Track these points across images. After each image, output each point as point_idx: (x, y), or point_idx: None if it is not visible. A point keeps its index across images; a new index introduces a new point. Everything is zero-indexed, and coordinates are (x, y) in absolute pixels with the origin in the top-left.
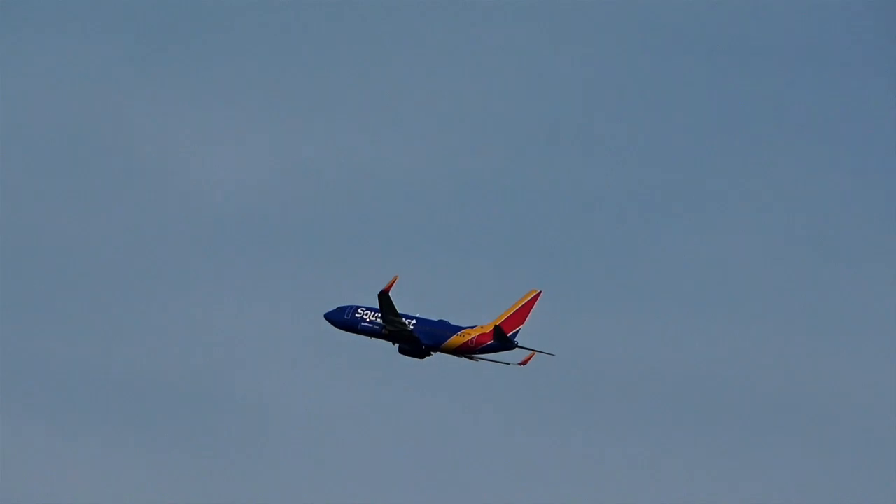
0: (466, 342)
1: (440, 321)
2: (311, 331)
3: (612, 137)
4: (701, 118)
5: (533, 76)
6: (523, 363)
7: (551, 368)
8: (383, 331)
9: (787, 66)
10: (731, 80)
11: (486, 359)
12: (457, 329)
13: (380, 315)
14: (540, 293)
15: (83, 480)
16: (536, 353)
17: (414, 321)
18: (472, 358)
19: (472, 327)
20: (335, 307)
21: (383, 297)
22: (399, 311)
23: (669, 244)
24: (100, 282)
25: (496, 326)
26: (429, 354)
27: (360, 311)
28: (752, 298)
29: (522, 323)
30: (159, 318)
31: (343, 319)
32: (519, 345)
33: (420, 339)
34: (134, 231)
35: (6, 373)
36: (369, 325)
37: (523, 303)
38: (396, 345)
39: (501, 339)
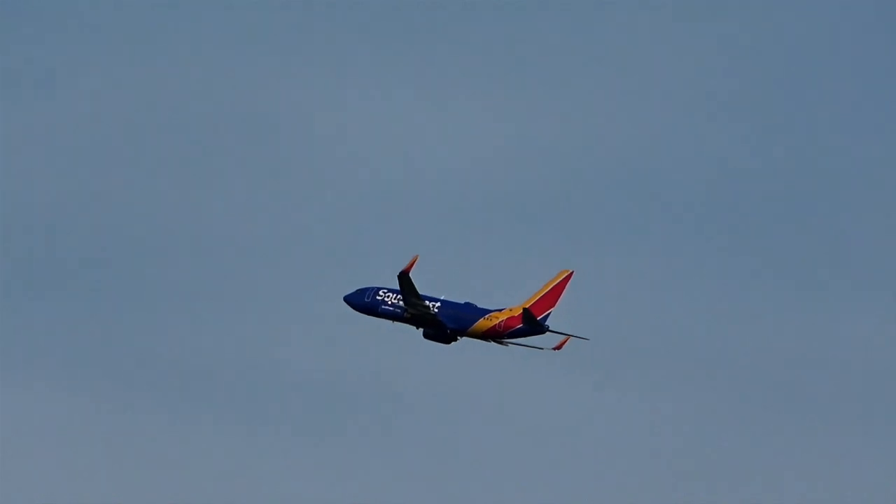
0: (494, 326)
1: (466, 304)
2: (332, 314)
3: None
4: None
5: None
6: (557, 348)
7: (586, 352)
8: (405, 314)
9: None
10: None
11: (517, 343)
12: (484, 312)
13: (402, 298)
14: (572, 273)
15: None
16: (570, 338)
17: (438, 304)
18: (501, 343)
19: (500, 310)
20: (355, 289)
21: (403, 278)
22: (422, 294)
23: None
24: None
25: (525, 309)
26: (455, 339)
27: (381, 293)
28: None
29: (554, 305)
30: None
31: (363, 302)
32: (550, 328)
33: (444, 323)
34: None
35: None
36: (390, 308)
37: (554, 284)
38: (420, 329)
39: (531, 323)
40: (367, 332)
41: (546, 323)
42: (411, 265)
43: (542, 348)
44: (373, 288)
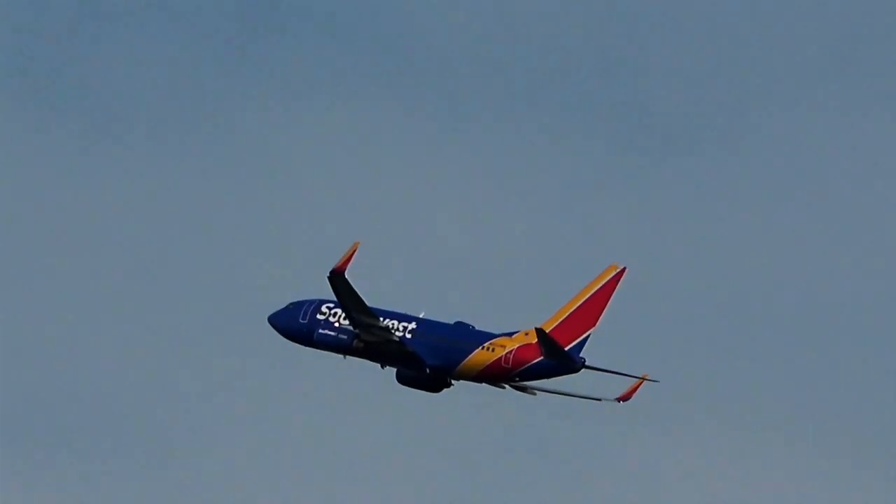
0: (497, 361)
1: (457, 324)
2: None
3: None
4: None
5: None
6: (624, 398)
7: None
8: (355, 342)
9: None
10: None
11: (547, 390)
12: (482, 338)
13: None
14: (623, 271)
15: None
16: (643, 381)
17: (412, 325)
18: (523, 389)
19: (509, 335)
20: (285, 304)
21: (337, 279)
22: (385, 309)
23: None
24: None
25: (538, 329)
26: (445, 383)
27: (325, 309)
28: None
29: (594, 324)
30: None
31: (296, 325)
32: (586, 363)
33: (420, 357)
34: None
35: None
36: (332, 334)
37: (596, 287)
38: (385, 367)
39: (553, 352)
40: (299, 371)
41: (580, 355)
42: (348, 258)
43: (598, 399)
44: (311, 302)
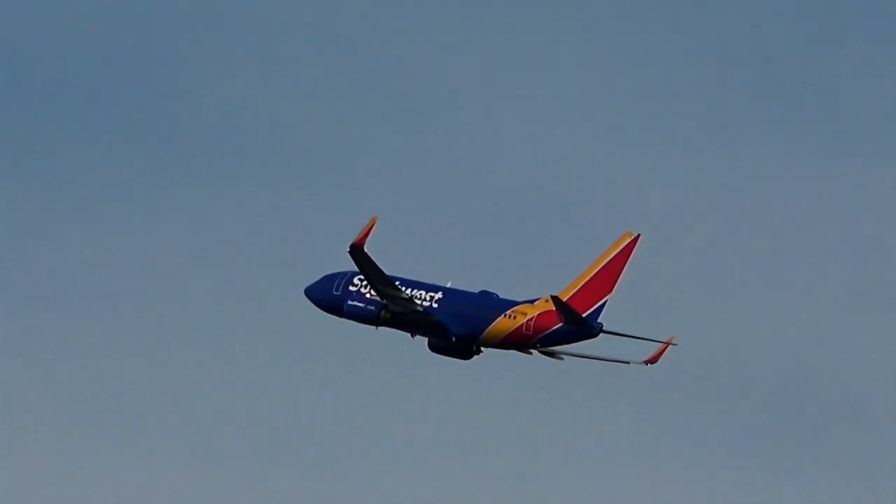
0: (518, 328)
1: (482, 293)
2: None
3: None
4: None
5: None
6: (651, 360)
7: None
8: (382, 313)
9: None
10: None
11: (574, 354)
12: (503, 306)
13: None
14: (638, 237)
15: None
16: (670, 345)
17: (439, 295)
18: (551, 354)
19: (531, 302)
20: (321, 276)
21: (356, 252)
22: (419, 281)
23: None
24: None
25: (553, 297)
26: (475, 350)
27: (357, 281)
28: None
29: (611, 290)
30: None
31: (330, 296)
32: (604, 328)
33: (446, 326)
34: None
35: None
36: (360, 305)
37: (610, 256)
38: (416, 336)
39: (570, 318)
40: (335, 340)
41: (599, 320)
42: (367, 232)
43: (626, 361)
44: (344, 274)
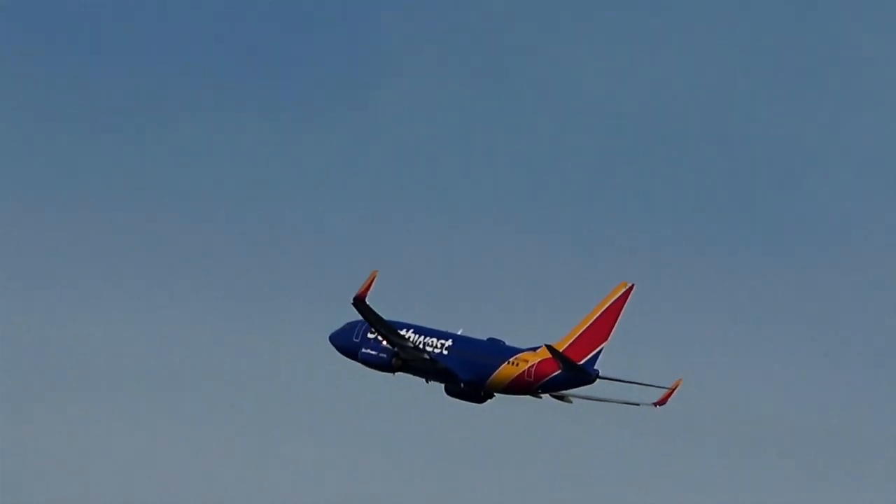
0: (521, 374)
1: (490, 341)
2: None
3: None
4: None
5: None
6: (660, 402)
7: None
8: (394, 361)
9: None
10: None
11: (586, 397)
12: (508, 353)
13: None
14: (632, 287)
15: None
16: (678, 386)
17: (450, 342)
18: (561, 398)
19: (534, 349)
20: (344, 323)
21: (359, 305)
22: (430, 328)
23: None
24: None
25: (547, 347)
26: (489, 395)
27: (374, 330)
28: None
29: (606, 338)
30: None
31: (349, 342)
32: (600, 374)
33: (455, 372)
34: None
35: None
36: (374, 353)
37: (606, 305)
38: (429, 382)
39: (566, 365)
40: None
41: (594, 367)
42: (368, 285)
43: (636, 403)
44: (364, 322)
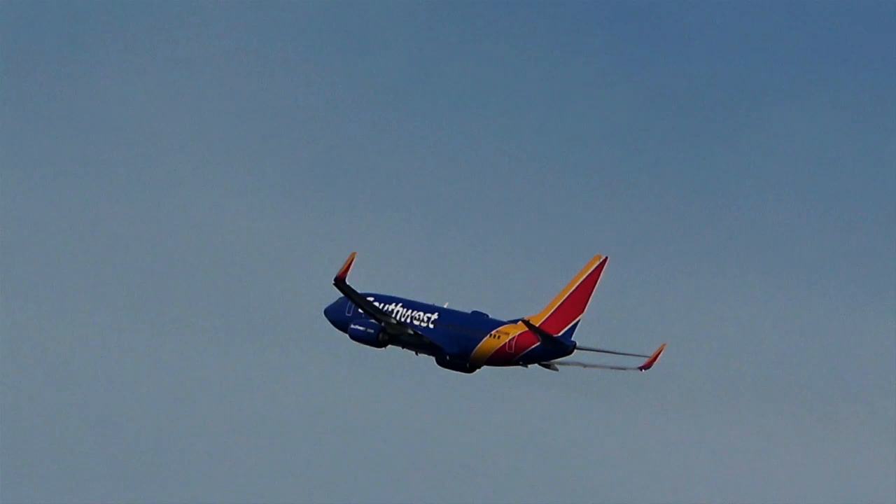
0: (502, 347)
1: (474, 314)
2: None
3: None
4: None
5: None
6: (646, 366)
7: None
8: (380, 336)
9: None
10: None
11: (578, 363)
12: (491, 327)
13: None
14: (606, 260)
15: None
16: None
17: (436, 315)
18: (548, 366)
19: (514, 321)
20: (339, 297)
21: (340, 285)
22: (417, 301)
23: None
24: None
25: (524, 321)
26: (471, 367)
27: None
28: None
29: (583, 310)
30: None
31: (342, 318)
32: (577, 345)
33: (440, 346)
34: None
35: None
36: (362, 328)
37: (581, 279)
38: (419, 354)
39: (544, 337)
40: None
41: (572, 338)
42: (347, 267)
43: (623, 368)
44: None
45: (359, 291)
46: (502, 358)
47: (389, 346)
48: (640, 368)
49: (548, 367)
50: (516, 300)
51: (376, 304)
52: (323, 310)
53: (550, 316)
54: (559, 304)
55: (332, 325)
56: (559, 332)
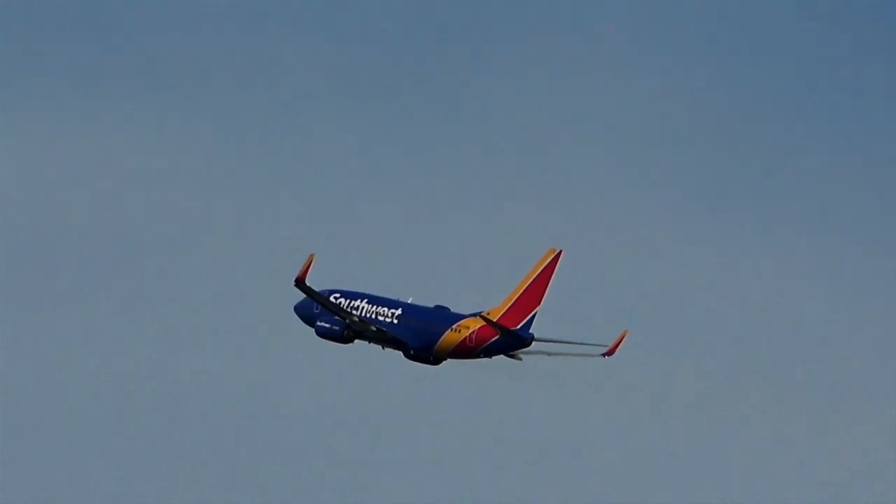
0: (463, 341)
1: (437, 308)
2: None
3: None
4: None
5: None
6: (609, 353)
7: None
8: (346, 332)
9: None
10: None
11: (542, 352)
12: (453, 321)
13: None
14: (560, 253)
15: None
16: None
17: (399, 311)
18: (512, 356)
19: (474, 315)
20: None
21: (300, 286)
22: (381, 296)
23: None
24: None
25: (481, 316)
26: (435, 361)
27: (331, 300)
28: None
29: (539, 302)
30: None
31: (310, 314)
32: (536, 337)
33: (404, 341)
34: None
35: None
36: (327, 325)
37: (537, 272)
38: (385, 349)
39: (503, 332)
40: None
41: (529, 330)
42: (307, 268)
43: (586, 355)
44: (322, 293)
45: (328, 288)
46: (464, 351)
47: (356, 340)
48: (604, 355)
49: (512, 357)
50: (476, 294)
51: (343, 300)
52: (293, 306)
53: (509, 309)
54: (516, 297)
55: (301, 322)
56: (517, 324)
